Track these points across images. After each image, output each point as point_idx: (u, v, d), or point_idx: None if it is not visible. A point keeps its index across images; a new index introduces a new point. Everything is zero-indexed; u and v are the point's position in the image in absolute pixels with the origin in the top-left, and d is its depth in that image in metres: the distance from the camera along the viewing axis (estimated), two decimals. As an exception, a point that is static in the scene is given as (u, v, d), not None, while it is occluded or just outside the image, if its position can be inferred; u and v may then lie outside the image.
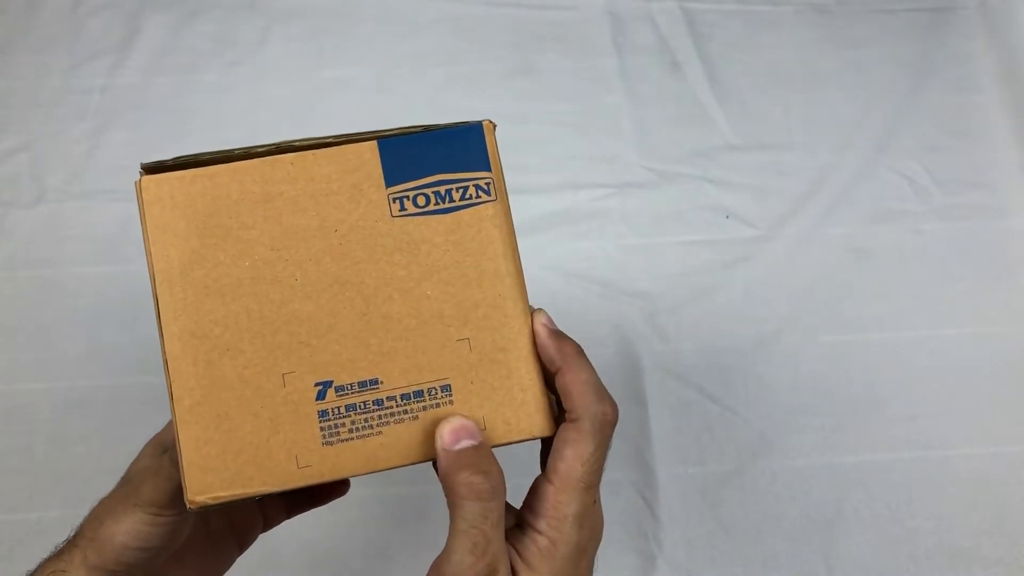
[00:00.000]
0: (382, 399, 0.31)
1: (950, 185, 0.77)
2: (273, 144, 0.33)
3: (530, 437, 0.32)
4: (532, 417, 0.32)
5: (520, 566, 0.30)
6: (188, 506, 0.30)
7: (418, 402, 0.31)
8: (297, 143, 0.33)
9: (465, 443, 0.30)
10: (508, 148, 0.85)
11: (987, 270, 0.72)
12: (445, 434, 0.30)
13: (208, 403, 0.31)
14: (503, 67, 0.84)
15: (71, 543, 0.36)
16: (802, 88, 0.83)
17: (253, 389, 0.31)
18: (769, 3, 0.90)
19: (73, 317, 0.68)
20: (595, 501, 0.31)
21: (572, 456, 0.31)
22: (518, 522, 0.32)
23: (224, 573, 0.41)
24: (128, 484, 0.36)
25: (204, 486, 0.31)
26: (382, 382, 0.31)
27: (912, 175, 0.77)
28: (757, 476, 0.62)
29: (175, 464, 0.33)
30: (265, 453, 0.31)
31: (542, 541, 0.31)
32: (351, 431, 0.31)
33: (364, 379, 0.31)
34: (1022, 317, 0.70)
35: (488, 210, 0.33)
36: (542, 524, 0.31)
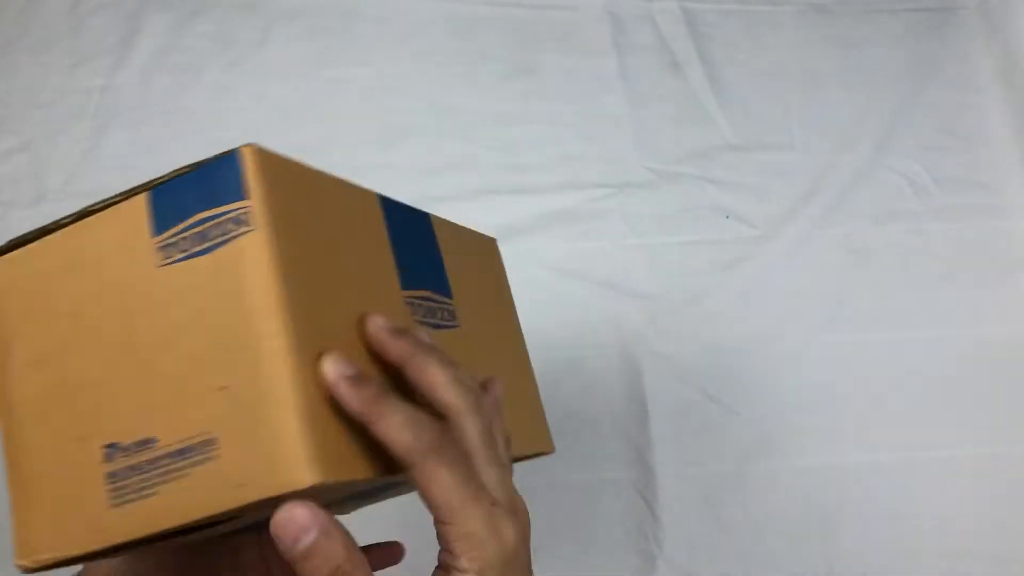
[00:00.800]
0: (157, 457, 0.30)
1: (950, 185, 0.77)
2: (75, 214, 0.32)
3: (285, 491, 0.27)
4: (290, 468, 0.27)
5: None
6: (17, 567, 0.31)
7: (187, 458, 0.29)
8: (86, 209, 0.33)
9: (305, 541, 0.27)
10: (508, 148, 0.85)
11: (987, 270, 0.72)
12: (284, 538, 0.27)
13: (29, 471, 0.32)
14: (503, 67, 0.84)
15: None
16: (802, 88, 0.83)
17: (60, 456, 0.31)
18: (769, 3, 0.90)
19: (73, 317, 0.68)
20: (493, 503, 0.30)
21: (437, 485, 0.28)
22: (443, 569, 0.30)
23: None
24: None
25: (28, 550, 0.31)
26: (158, 440, 0.30)
27: (912, 175, 0.77)
28: (757, 476, 0.62)
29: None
30: (75, 517, 0.31)
31: (461, 564, 0.29)
32: (135, 491, 0.30)
33: (141, 438, 0.30)
34: (1022, 317, 0.70)
35: (245, 242, 0.29)
36: (462, 562, 0.29)
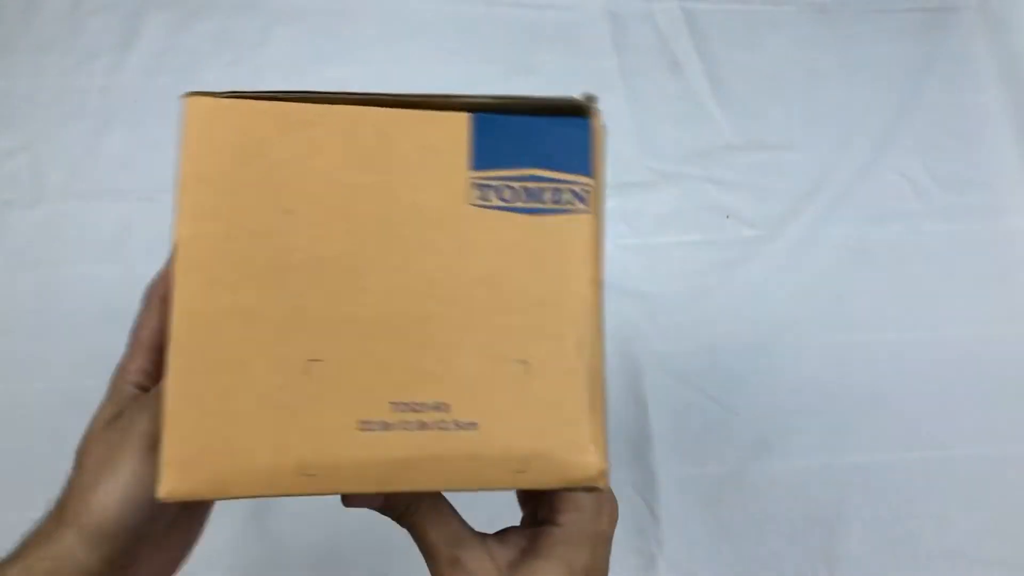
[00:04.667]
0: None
1: (950, 185, 0.77)
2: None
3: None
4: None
5: (532, 558, 0.30)
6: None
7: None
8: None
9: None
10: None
11: (987, 270, 0.72)
12: None
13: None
14: (503, 67, 0.84)
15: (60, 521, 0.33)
16: (802, 88, 0.83)
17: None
18: (769, 3, 0.89)
19: (73, 317, 0.68)
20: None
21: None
22: (532, 520, 0.32)
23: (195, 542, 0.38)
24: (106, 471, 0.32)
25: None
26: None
27: (912, 175, 0.77)
28: (757, 476, 0.62)
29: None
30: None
31: (559, 532, 0.31)
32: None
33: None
34: (1022, 317, 0.70)
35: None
36: (561, 517, 0.31)
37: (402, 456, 0.27)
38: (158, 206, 0.74)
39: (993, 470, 0.63)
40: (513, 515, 0.35)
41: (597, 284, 0.28)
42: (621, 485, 0.64)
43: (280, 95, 0.28)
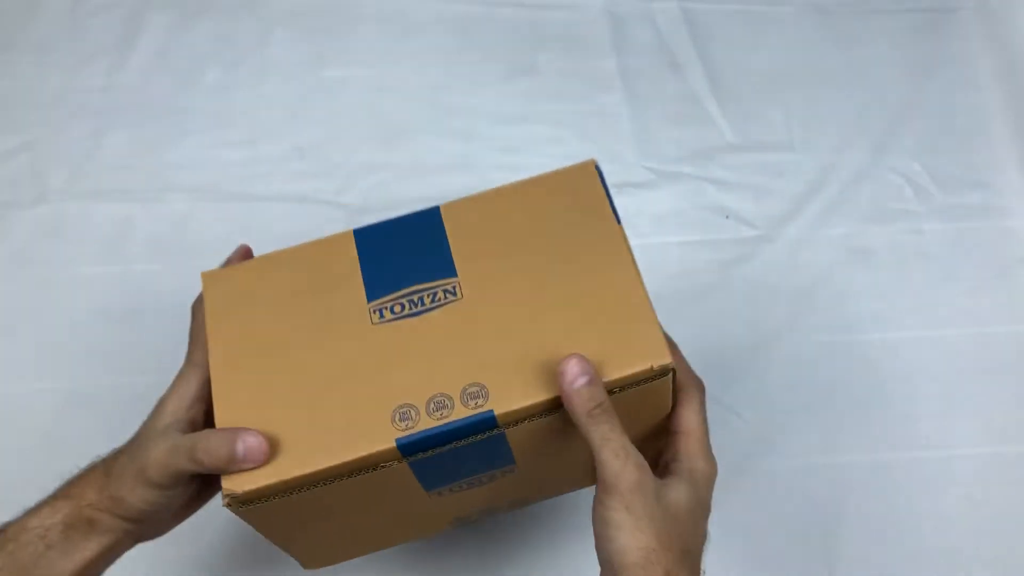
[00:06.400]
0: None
1: (950, 185, 0.77)
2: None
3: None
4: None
5: (664, 476, 0.38)
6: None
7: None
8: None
9: (580, 381, 0.36)
10: (508, 148, 0.86)
11: (987, 270, 0.72)
12: (566, 372, 0.36)
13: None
14: (503, 67, 0.84)
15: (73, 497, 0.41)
16: (802, 88, 0.83)
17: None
18: (769, 3, 0.90)
19: (73, 317, 0.68)
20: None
21: (691, 412, 0.41)
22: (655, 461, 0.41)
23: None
24: (136, 460, 0.39)
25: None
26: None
27: (912, 175, 0.77)
28: (757, 476, 0.62)
29: (191, 458, 0.37)
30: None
31: (680, 466, 0.39)
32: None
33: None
34: (1022, 317, 0.70)
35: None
36: (680, 464, 0.40)
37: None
38: (158, 206, 0.74)
39: (993, 470, 0.63)
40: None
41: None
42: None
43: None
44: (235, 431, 0.36)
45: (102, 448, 0.62)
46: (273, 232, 0.73)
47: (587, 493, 0.40)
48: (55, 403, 0.64)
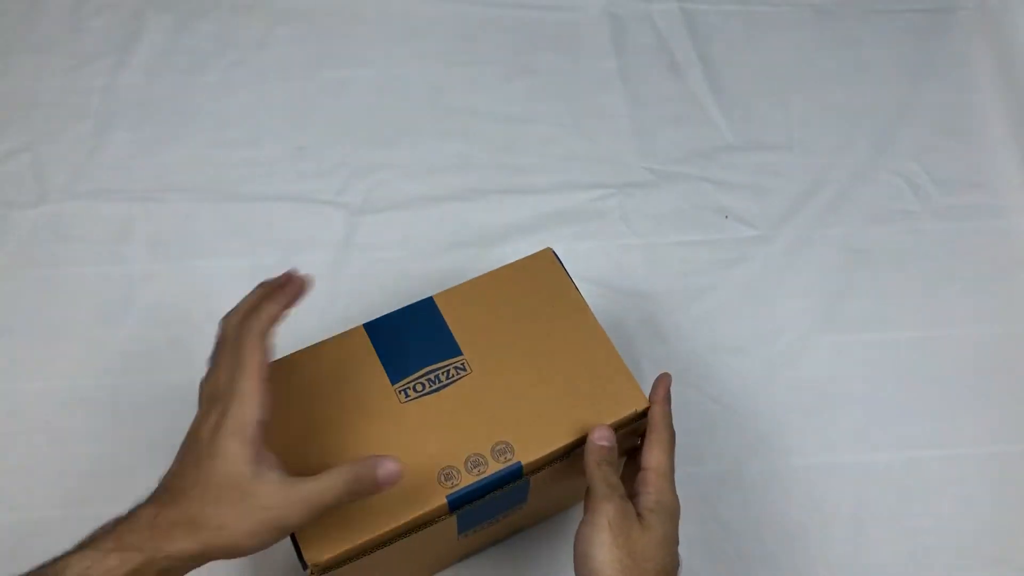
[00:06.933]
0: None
1: (949, 185, 0.77)
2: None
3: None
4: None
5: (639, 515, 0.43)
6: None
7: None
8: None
9: (603, 441, 0.44)
10: (508, 148, 0.85)
11: (986, 270, 0.72)
12: (595, 431, 0.44)
13: None
14: (503, 67, 0.84)
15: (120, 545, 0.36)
16: (802, 88, 0.84)
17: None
18: (769, 3, 0.90)
19: (73, 317, 0.68)
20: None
21: (662, 452, 0.45)
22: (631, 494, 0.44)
23: None
24: (255, 512, 0.37)
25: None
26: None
27: (911, 175, 0.78)
28: (757, 476, 0.62)
29: (349, 492, 0.39)
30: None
31: (650, 499, 0.44)
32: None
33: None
34: (1022, 317, 0.70)
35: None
36: (650, 497, 0.44)
37: None
38: (158, 206, 0.74)
39: (993, 470, 0.63)
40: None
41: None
42: (621, 485, 0.64)
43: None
44: (376, 458, 0.39)
45: (102, 448, 0.62)
46: (273, 232, 0.73)
47: (572, 524, 0.45)
48: (55, 403, 0.64)
